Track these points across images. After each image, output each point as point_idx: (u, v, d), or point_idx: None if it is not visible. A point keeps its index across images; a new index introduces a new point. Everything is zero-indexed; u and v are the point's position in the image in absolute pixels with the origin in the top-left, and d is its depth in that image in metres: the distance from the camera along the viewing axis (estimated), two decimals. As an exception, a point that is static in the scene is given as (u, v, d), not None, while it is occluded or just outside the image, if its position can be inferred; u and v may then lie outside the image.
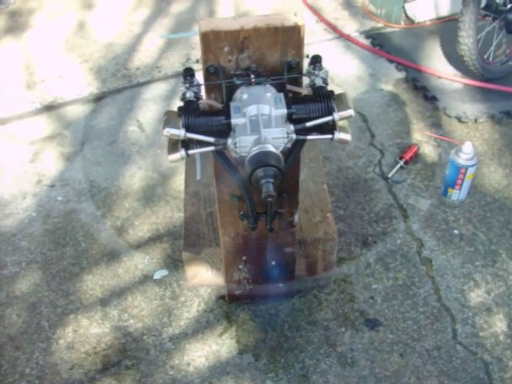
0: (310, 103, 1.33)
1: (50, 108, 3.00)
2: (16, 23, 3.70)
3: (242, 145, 1.26)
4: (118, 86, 3.14)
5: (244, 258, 1.86)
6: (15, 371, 1.88)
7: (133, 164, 2.63)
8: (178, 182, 2.50)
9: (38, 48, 3.46)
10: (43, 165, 2.65)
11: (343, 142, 1.36)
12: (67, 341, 1.95)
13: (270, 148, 1.22)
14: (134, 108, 2.97)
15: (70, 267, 2.18)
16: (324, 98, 1.33)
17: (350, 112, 1.31)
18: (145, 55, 3.37)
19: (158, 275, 2.14)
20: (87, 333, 1.97)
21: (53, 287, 2.12)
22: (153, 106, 2.98)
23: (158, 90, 3.09)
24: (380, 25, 3.52)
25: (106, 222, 2.34)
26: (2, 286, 2.13)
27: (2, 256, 2.23)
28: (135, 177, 2.56)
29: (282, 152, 1.27)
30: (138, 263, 2.18)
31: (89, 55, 3.39)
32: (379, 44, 3.31)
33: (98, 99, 3.05)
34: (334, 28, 3.47)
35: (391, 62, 3.18)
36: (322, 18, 3.56)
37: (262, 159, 1.20)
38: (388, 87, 3.01)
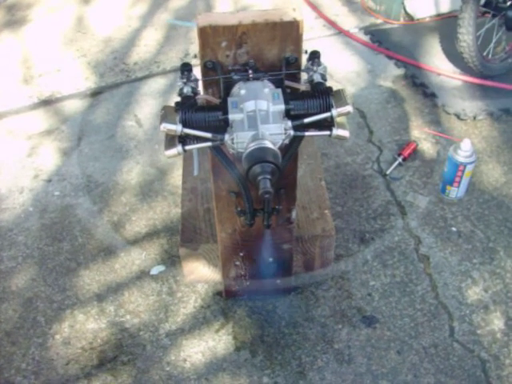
0: (308, 99, 1.32)
1: (47, 102, 2.98)
2: (14, 17, 3.68)
3: (240, 141, 1.25)
4: (116, 80, 3.12)
5: (241, 254, 1.85)
6: (11, 366, 1.87)
7: (130, 159, 2.62)
8: (176, 177, 2.49)
9: (36, 42, 3.44)
10: (40, 159, 2.64)
11: (341, 138, 1.35)
12: (63, 336, 1.95)
13: (268, 144, 1.21)
14: (131, 103, 2.96)
15: (67, 262, 2.17)
16: (322, 94, 1.32)
17: (349, 108, 1.30)
18: (143, 50, 3.35)
19: (154, 271, 2.13)
20: (83, 328, 1.96)
21: (49, 282, 2.11)
22: (151, 100, 2.97)
23: (156, 84, 3.08)
24: (379, 21, 3.50)
25: (103, 217, 2.34)
26: (-1, 280, 2.13)
27: (-1, 251, 2.23)
28: (132, 172, 2.55)
29: (279, 148, 1.26)
30: (135, 259, 2.17)
31: (87, 50, 3.37)
32: (378, 40, 3.30)
33: (96, 94, 3.04)
34: (333, 24, 3.46)
35: (390, 58, 3.17)
36: (321, 14, 3.54)
37: (259, 155, 1.19)
38: (387, 84, 3.00)
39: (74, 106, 2.95)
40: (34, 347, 1.92)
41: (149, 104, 2.95)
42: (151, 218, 2.33)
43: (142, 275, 2.12)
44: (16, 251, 2.22)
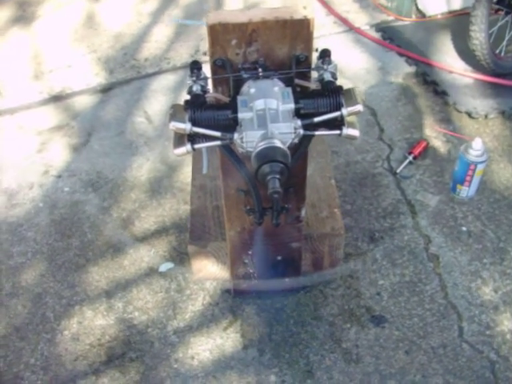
0: (318, 98, 1.31)
1: (57, 98, 2.99)
2: (25, 13, 3.69)
3: (249, 140, 1.25)
4: (127, 76, 3.12)
5: (250, 252, 1.85)
6: (20, 361, 1.88)
7: (140, 155, 2.62)
8: (185, 174, 2.49)
9: (47, 38, 3.45)
10: (50, 155, 2.64)
11: (351, 137, 1.34)
12: (72, 332, 1.95)
13: (277, 143, 1.21)
14: (141, 99, 2.96)
15: (76, 258, 2.18)
16: (332, 93, 1.31)
17: (359, 107, 1.29)
18: (153, 46, 3.35)
19: (163, 268, 2.13)
20: (92, 324, 1.97)
21: (58, 278, 2.12)
22: (161, 97, 2.97)
23: (166, 81, 3.08)
24: (391, 18, 3.48)
25: (113, 214, 2.34)
26: (8, 276, 2.13)
27: (9, 246, 2.24)
28: (142, 168, 2.55)
29: (289, 147, 1.25)
30: (144, 255, 2.18)
31: (97, 45, 3.37)
32: (389, 37, 3.28)
33: (106, 90, 3.04)
34: (344, 21, 3.43)
35: (401, 55, 3.14)
36: (331, 11, 3.52)
37: (268, 155, 1.19)
38: (398, 81, 2.98)
39: (84, 102, 2.96)
40: (42, 343, 1.93)
41: (159, 100, 2.94)
42: (160, 214, 2.33)
43: (151, 272, 2.12)
44: (26, 247, 2.23)
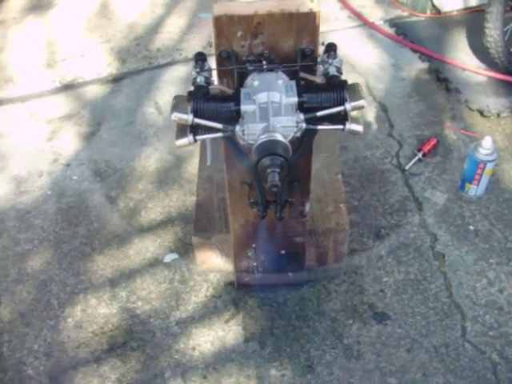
0: (322, 92, 1.30)
1: (69, 87, 3.00)
2: (40, 1, 3.70)
3: (250, 132, 1.24)
4: (138, 67, 3.13)
5: (253, 245, 1.85)
6: (23, 347, 1.90)
7: (149, 146, 2.63)
8: (194, 165, 2.49)
9: (61, 27, 3.45)
10: (60, 144, 2.66)
11: (354, 132, 1.33)
12: (75, 320, 1.97)
13: (278, 137, 1.20)
14: (152, 90, 2.96)
15: (82, 247, 2.19)
16: (336, 88, 1.30)
17: (362, 103, 1.28)
18: (166, 37, 3.35)
19: (168, 258, 2.14)
20: (95, 313, 1.98)
21: (64, 266, 2.13)
22: (172, 88, 2.96)
23: (177, 72, 3.08)
24: (405, 13, 3.44)
25: (119, 203, 2.35)
26: (15, 262, 2.15)
27: (16, 233, 2.25)
28: (151, 159, 2.56)
29: (291, 141, 1.25)
30: (149, 246, 2.18)
31: (111, 35, 3.38)
32: (403, 33, 3.25)
33: (118, 80, 3.04)
34: (358, 15, 3.41)
35: (415, 51, 3.11)
36: (346, 5, 3.49)
37: (269, 148, 1.19)
38: (410, 77, 2.95)
39: (95, 92, 2.96)
40: (46, 329, 1.95)
41: (170, 91, 2.94)
42: (167, 205, 2.34)
43: (156, 262, 2.13)
44: (33, 234, 2.25)
